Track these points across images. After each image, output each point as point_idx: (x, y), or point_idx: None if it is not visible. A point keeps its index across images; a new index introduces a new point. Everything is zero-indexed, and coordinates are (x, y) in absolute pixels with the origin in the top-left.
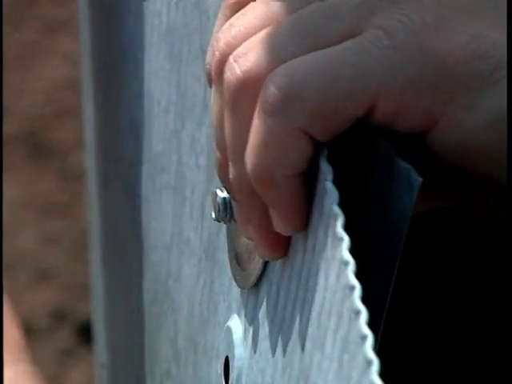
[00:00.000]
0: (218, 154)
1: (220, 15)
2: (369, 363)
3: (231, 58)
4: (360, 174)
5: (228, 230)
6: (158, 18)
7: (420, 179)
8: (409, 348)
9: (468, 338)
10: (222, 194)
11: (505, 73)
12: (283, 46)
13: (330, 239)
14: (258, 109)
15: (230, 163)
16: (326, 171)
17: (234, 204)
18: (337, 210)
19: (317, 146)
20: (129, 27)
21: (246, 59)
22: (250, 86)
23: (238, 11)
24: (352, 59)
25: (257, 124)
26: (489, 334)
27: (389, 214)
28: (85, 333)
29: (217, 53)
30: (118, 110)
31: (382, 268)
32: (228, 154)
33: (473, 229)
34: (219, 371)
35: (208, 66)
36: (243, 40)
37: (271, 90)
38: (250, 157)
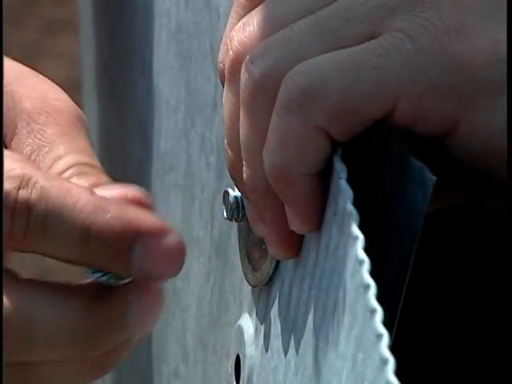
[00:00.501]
0: (230, 153)
1: (232, 13)
2: (384, 362)
3: (248, 59)
4: (373, 173)
5: (239, 228)
6: (167, 17)
7: (434, 178)
8: (419, 346)
9: (477, 334)
10: (234, 192)
11: None
12: (301, 47)
13: (344, 238)
14: (276, 106)
15: (244, 163)
16: (340, 170)
17: (246, 203)
18: (351, 208)
19: (333, 145)
20: (136, 26)
21: (264, 61)
22: (267, 88)
23: (251, 10)
24: (373, 61)
25: (275, 122)
26: (497, 330)
27: (402, 213)
28: None
29: (231, 52)
30: (125, 110)
31: (395, 267)
32: (242, 153)
33: (483, 226)
34: (230, 370)
35: (221, 65)
36: (257, 40)
37: (291, 88)
38: (267, 154)
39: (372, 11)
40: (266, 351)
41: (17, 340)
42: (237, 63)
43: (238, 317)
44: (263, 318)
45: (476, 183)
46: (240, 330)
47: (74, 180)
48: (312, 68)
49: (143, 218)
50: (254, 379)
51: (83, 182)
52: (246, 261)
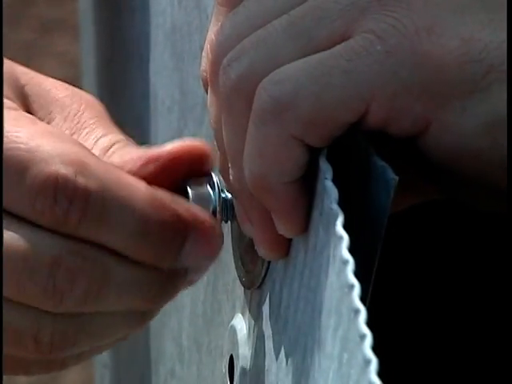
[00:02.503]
0: (218, 154)
1: (213, 20)
2: (367, 362)
3: (225, 62)
4: (343, 173)
5: (232, 231)
6: (162, 17)
7: (396, 178)
8: (408, 346)
9: (467, 334)
10: (224, 194)
11: (496, 76)
12: (276, 48)
13: (330, 238)
14: (251, 116)
15: (230, 165)
16: (326, 170)
17: (235, 204)
18: (336, 208)
19: (314, 150)
20: (135, 26)
21: (240, 63)
22: (245, 90)
23: (229, 11)
24: (344, 65)
25: (251, 131)
26: (487, 329)
27: (368, 211)
28: None
29: (210, 56)
30: (124, 110)
31: (361, 266)
32: (227, 156)
33: (463, 221)
34: (224, 370)
35: (204, 74)
36: (235, 41)
37: (264, 98)
38: (246, 164)
39: (344, 10)
40: (259, 351)
41: (88, 290)
42: (216, 66)
43: (231, 317)
44: (256, 318)
45: (449, 181)
46: (233, 331)
47: (121, 153)
48: (284, 77)
49: (194, 214)
50: (248, 379)
51: (130, 154)
52: (240, 263)
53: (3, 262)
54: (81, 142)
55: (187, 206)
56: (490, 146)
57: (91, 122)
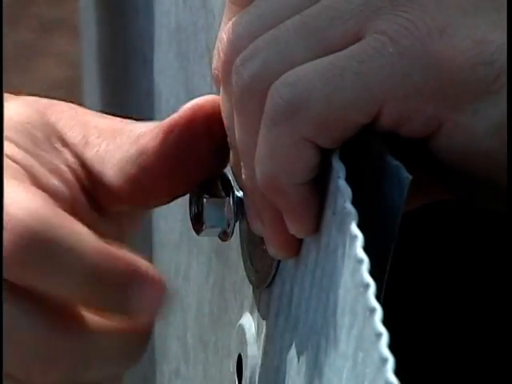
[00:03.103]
0: (231, 153)
1: (224, 19)
2: (384, 361)
3: (238, 62)
4: (355, 172)
5: (241, 230)
6: (166, 17)
7: (410, 177)
8: (412, 345)
9: (476, 332)
10: (236, 192)
11: (506, 79)
12: (289, 48)
13: (343, 237)
14: (263, 118)
15: (242, 164)
16: (339, 169)
17: (245, 203)
18: (350, 207)
19: (325, 151)
20: (137, 26)
21: (253, 63)
22: (257, 90)
23: (240, 10)
24: (356, 67)
25: (263, 132)
26: (491, 328)
27: (382, 210)
28: None
29: (222, 54)
30: (126, 110)
31: (374, 266)
32: (239, 154)
33: (474, 221)
34: (232, 369)
35: (215, 71)
36: (247, 41)
37: (276, 100)
38: (258, 164)
39: (357, 9)
40: (268, 350)
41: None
42: (228, 65)
43: (239, 316)
44: (265, 317)
45: (459, 182)
46: (241, 330)
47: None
48: (296, 79)
49: (137, 264)
50: (257, 379)
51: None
52: (249, 262)
53: None
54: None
55: (132, 257)
56: (499, 148)
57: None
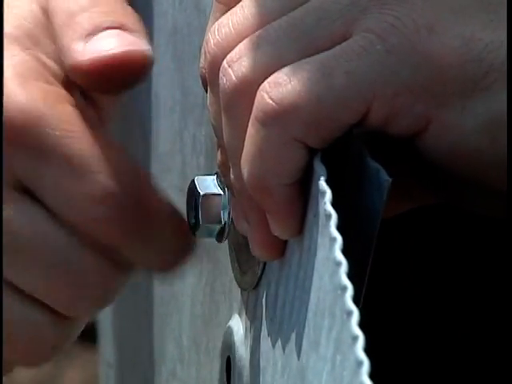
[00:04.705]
0: (218, 153)
1: (211, 17)
2: (359, 364)
3: (225, 63)
4: (337, 174)
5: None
6: (164, 19)
7: (389, 179)
8: (404, 348)
9: (461, 336)
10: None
11: (496, 76)
12: (277, 49)
13: (324, 239)
14: (252, 117)
15: (230, 165)
16: (320, 171)
17: (231, 202)
18: (330, 209)
19: (313, 151)
20: None
21: (240, 64)
22: (245, 92)
23: (227, 11)
24: (345, 66)
25: (252, 133)
26: (484, 333)
27: (362, 212)
28: (81, 332)
29: (208, 55)
30: (127, 111)
31: (354, 269)
32: (227, 155)
33: (459, 225)
34: (221, 371)
35: (203, 70)
36: (234, 41)
37: (265, 101)
38: (245, 165)
39: (345, 9)
40: (255, 352)
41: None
42: (215, 66)
43: (229, 318)
44: (252, 319)
45: (447, 184)
46: (230, 332)
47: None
48: (285, 79)
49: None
50: (244, 380)
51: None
52: (236, 264)
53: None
54: None
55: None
56: (488, 146)
57: None
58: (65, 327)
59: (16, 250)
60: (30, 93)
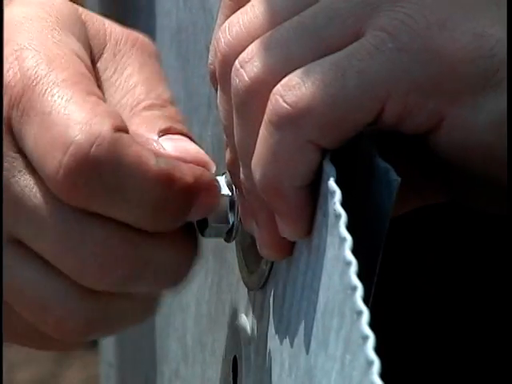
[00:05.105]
0: (228, 152)
1: (220, 15)
2: (370, 364)
3: (237, 63)
4: (346, 174)
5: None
6: (168, 18)
7: (398, 179)
8: (410, 348)
9: (470, 336)
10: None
11: (506, 73)
12: (289, 50)
13: (333, 239)
14: (265, 120)
15: (241, 164)
16: (329, 171)
17: (240, 202)
18: (340, 209)
19: (323, 155)
20: (140, 27)
21: (253, 65)
22: (258, 92)
23: (236, 8)
24: (357, 66)
25: (265, 136)
26: (491, 331)
27: (371, 212)
28: None
29: (219, 54)
30: None
31: (364, 268)
32: (238, 155)
33: (468, 223)
34: (227, 370)
35: (212, 67)
36: (244, 40)
37: (279, 103)
38: (257, 167)
39: (355, 8)
40: (262, 352)
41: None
42: (226, 65)
43: (235, 317)
44: (259, 319)
45: (457, 182)
46: (237, 331)
47: (145, 113)
48: (298, 82)
49: (200, 178)
50: (251, 379)
51: (153, 122)
52: (243, 264)
53: None
54: (119, 83)
55: (192, 171)
56: (499, 142)
57: (136, 63)
58: (94, 301)
59: (39, 227)
60: None
